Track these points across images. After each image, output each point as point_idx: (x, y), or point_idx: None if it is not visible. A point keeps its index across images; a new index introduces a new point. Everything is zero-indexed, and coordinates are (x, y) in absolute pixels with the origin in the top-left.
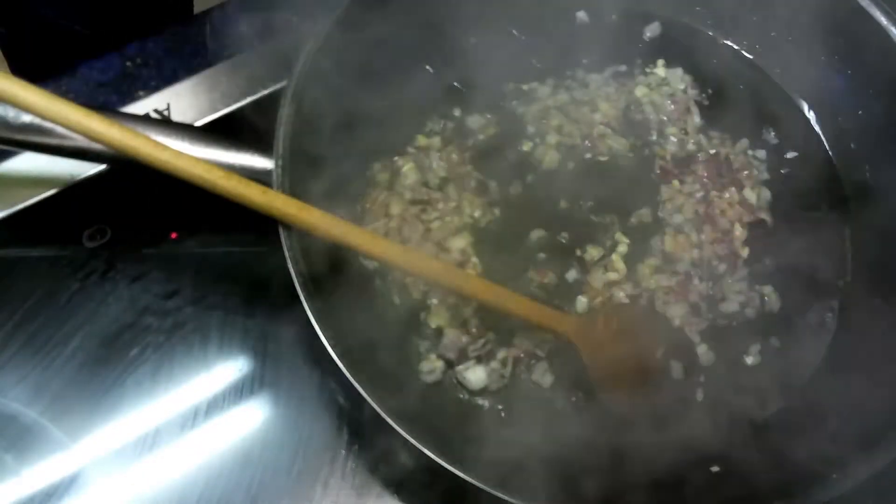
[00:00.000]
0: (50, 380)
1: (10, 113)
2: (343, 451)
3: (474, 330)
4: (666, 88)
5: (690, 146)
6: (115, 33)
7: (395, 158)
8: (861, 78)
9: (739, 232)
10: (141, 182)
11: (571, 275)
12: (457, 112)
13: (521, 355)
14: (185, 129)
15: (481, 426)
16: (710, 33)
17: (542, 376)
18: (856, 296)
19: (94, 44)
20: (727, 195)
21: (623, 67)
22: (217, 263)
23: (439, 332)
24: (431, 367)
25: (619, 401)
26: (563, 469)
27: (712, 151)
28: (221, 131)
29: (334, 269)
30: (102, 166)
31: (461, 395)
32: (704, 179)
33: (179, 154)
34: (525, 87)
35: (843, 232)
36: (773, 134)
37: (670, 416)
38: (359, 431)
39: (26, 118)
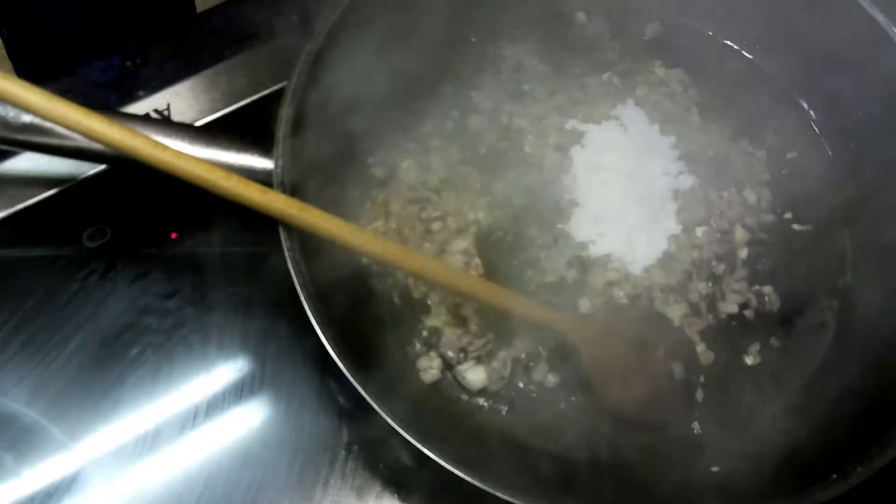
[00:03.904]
0: (50, 380)
1: (10, 113)
2: (343, 451)
3: (474, 329)
4: (666, 88)
5: (690, 146)
6: (117, 33)
7: (395, 157)
8: (861, 78)
9: (739, 232)
10: (141, 182)
11: (571, 275)
12: (456, 112)
13: (522, 355)
14: (185, 129)
15: (481, 426)
16: (710, 33)
17: (543, 376)
18: (856, 296)
19: (95, 44)
20: (727, 195)
21: (623, 67)
22: (217, 263)
23: (439, 331)
24: (429, 364)
25: (619, 401)
26: (563, 469)
27: (711, 152)
28: (221, 131)
29: (334, 269)
30: (102, 166)
31: (461, 395)
32: (704, 179)
33: (179, 154)
34: (525, 87)
35: (843, 232)
36: (773, 134)
37: (670, 416)
38: (359, 431)
39: (26, 118)
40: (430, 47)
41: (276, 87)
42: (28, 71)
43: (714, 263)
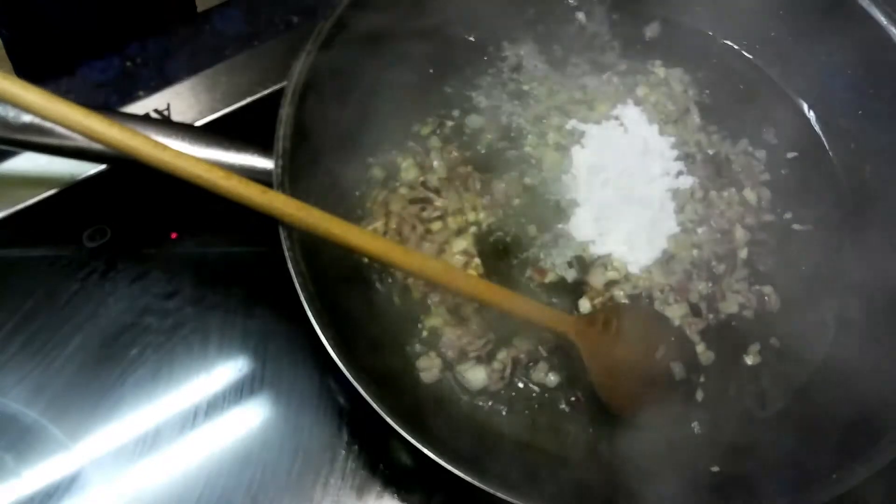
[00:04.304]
0: (50, 380)
1: (11, 113)
2: (343, 451)
3: (474, 329)
4: (666, 88)
5: (690, 146)
6: (117, 33)
7: (395, 156)
8: (861, 78)
9: (739, 232)
10: (141, 182)
11: (571, 275)
12: (456, 112)
13: (522, 356)
14: (185, 129)
15: (481, 426)
16: (710, 33)
17: (543, 376)
18: (856, 295)
19: (95, 44)
20: (727, 195)
21: (623, 67)
22: (217, 263)
23: (439, 332)
24: (429, 364)
25: (619, 401)
26: (562, 469)
27: (711, 152)
28: (221, 131)
29: (334, 269)
30: (102, 166)
31: (461, 396)
32: (704, 179)
33: (179, 154)
34: (525, 87)
35: (843, 232)
36: (773, 134)
37: (670, 416)
38: (359, 431)
39: (26, 118)
40: (431, 47)
41: (276, 87)
42: (28, 71)
43: (714, 263)
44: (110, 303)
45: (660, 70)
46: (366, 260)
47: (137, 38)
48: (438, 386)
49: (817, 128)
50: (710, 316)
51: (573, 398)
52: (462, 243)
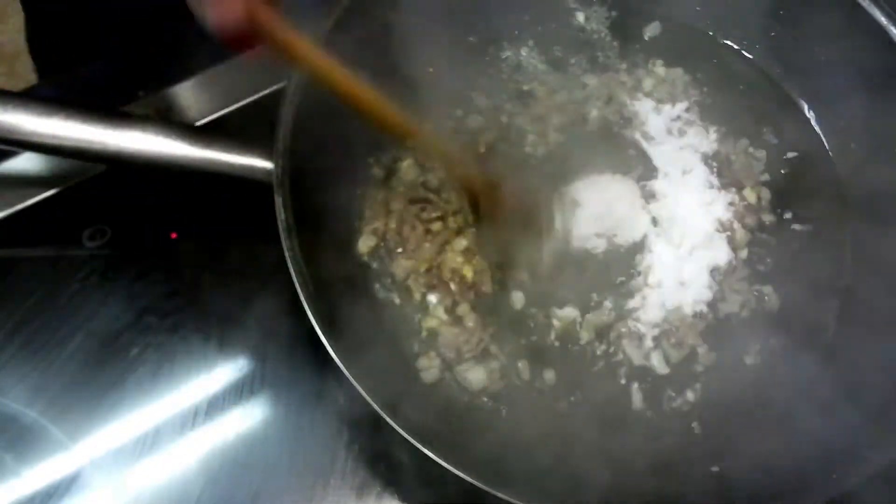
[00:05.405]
0: (50, 380)
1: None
2: (343, 451)
3: (473, 328)
4: (666, 88)
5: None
6: (117, 34)
7: (395, 157)
8: (861, 78)
9: (739, 232)
10: (141, 182)
11: (571, 273)
12: (457, 112)
13: (520, 353)
14: (185, 129)
15: (481, 426)
16: (710, 33)
17: (542, 376)
18: (856, 296)
19: (95, 44)
20: (727, 195)
21: (623, 67)
22: (217, 263)
23: (437, 332)
24: (429, 364)
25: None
26: (563, 469)
27: (711, 152)
28: (221, 131)
29: (334, 269)
30: (102, 166)
31: (461, 395)
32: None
33: None
34: (525, 87)
35: (843, 232)
36: (773, 134)
37: (670, 416)
38: (359, 431)
39: (23, 118)
40: (430, 47)
41: (276, 87)
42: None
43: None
44: (110, 303)
45: (660, 70)
46: (365, 259)
47: (138, 38)
48: (439, 386)
49: (817, 128)
50: (710, 316)
51: (572, 398)
52: (462, 243)
